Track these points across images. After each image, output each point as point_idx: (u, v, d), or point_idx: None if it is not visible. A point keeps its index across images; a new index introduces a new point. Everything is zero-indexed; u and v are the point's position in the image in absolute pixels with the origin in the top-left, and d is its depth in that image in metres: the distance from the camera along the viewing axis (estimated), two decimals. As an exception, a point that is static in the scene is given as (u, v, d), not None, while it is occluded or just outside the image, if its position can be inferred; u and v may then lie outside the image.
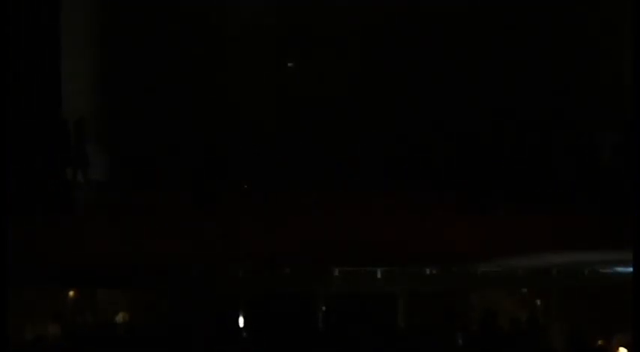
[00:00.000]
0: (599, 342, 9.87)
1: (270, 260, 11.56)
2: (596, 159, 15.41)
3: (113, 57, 17.15)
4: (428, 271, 10.92)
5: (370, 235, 13.20)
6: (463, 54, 17.30)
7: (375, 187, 17.19)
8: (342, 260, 11.34)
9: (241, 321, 11.00)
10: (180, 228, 13.60)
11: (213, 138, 17.74)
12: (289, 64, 17.94)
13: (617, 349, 9.77)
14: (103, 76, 16.80)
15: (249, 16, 17.75)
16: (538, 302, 11.48)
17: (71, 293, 11.58)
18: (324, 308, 11.00)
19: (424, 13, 17.59)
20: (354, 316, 10.97)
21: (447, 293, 11.23)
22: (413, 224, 14.05)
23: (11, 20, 13.23)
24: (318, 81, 17.79)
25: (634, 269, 9.54)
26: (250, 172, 17.46)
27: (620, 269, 10.96)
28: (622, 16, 14.43)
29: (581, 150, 15.82)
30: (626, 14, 13.44)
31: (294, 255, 11.95)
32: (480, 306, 11.17)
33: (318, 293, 11.01)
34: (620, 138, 14.29)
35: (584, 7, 16.12)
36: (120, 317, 11.38)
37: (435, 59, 17.49)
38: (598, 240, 12.57)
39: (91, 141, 14.70)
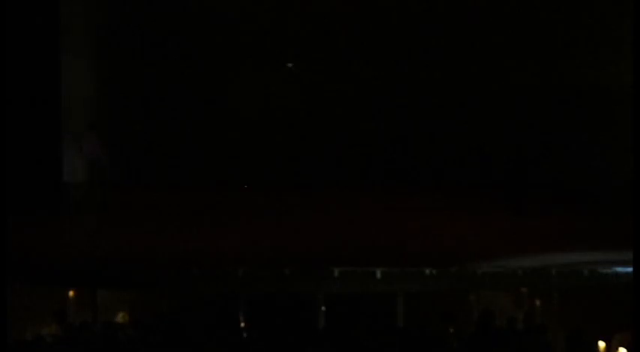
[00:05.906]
0: (599, 342, 9.86)
1: (270, 260, 11.55)
2: (595, 159, 15.40)
3: (115, 56, 17.14)
4: (427, 271, 10.91)
5: (370, 235, 13.20)
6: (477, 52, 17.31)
7: (373, 187, 17.18)
8: (342, 260, 11.34)
9: (241, 321, 10.98)
10: (180, 228, 13.59)
11: (213, 138, 17.74)
12: (289, 65, 17.92)
13: (617, 349, 9.76)
14: (104, 74, 16.80)
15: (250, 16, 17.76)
16: (538, 302, 11.47)
17: (71, 293, 11.57)
18: (324, 308, 10.99)
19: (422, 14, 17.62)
20: (354, 316, 10.97)
21: (446, 293, 11.22)
22: (412, 224, 14.04)
23: (10, 18, 13.22)
24: (321, 81, 17.78)
25: (634, 269, 9.54)
26: (250, 172, 17.45)
27: (620, 269, 10.95)
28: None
29: (580, 149, 15.80)
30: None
31: (294, 255, 11.94)
32: (479, 307, 11.15)
33: (318, 293, 11.00)
34: (620, 137, 14.27)
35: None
36: (120, 317, 11.37)
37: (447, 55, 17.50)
38: (598, 240, 12.57)
39: (90, 141, 14.69)
